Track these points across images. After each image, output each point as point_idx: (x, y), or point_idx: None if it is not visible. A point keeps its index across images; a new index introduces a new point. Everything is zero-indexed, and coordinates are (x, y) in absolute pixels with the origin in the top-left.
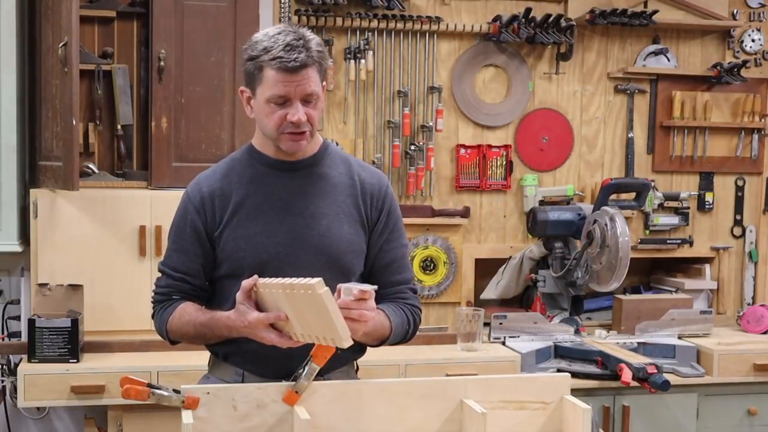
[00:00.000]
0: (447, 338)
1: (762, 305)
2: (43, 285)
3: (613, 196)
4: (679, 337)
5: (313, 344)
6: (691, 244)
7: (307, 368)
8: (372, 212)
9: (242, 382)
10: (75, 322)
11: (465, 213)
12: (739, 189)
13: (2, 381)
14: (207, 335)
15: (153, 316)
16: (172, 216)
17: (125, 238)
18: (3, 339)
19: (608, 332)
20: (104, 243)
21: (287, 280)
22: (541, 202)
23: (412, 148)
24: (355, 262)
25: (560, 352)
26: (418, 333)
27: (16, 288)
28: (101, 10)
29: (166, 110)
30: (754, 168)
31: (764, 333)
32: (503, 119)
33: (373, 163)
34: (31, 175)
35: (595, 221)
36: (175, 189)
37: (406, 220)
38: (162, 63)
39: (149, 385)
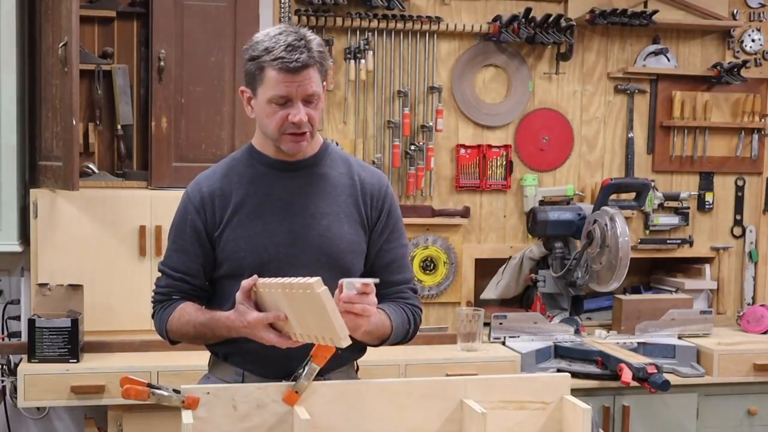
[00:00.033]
0: (447, 338)
1: (762, 305)
2: (43, 285)
3: (613, 196)
4: (679, 337)
5: (313, 344)
6: (691, 244)
7: (307, 368)
8: (372, 212)
9: (242, 382)
10: (75, 322)
11: (465, 213)
12: (739, 189)
13: (2, 381)
14: (207, 335)
15: (153, 316)
16: (172, 216)
17: (125, 238)
18: (3, 339)
19: (608, 332)
20: (104, 243)
21: (286, 280)
22: (541, 202)
23: (412, 148)
24: (355, 262)
25: (560, 352)
26: (418, 333)
27: (16, 288)
28: (101, 10)
29: (166, 110)
30: (754, 168)
31: (764, 333)
32: (503, 119)
33: (373, 163)
34: (31, 175)
35: (595, 221)
36: (175, 189)
37: (406, 220)
38: (162, 63)
39: (149, 385)
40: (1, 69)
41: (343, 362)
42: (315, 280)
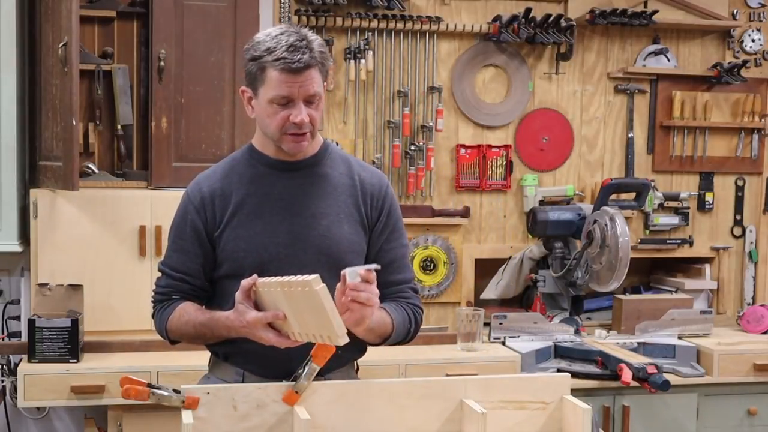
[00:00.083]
0: (447, 338)
1: (762, 305)
2: (43, 285)
3: (613, 196)
4: (679, 337)
5: (313, 344)
6: (691, 244)
7: (307, 368)
8: (372, 212)
9: (242, 382)
10: (75, 322)
11: (465, 213)
12: (739, 189)
13: (2, 381)
14: (206, 335)
15: (153, 316)
16: (172, 216)
17: (125, 238)
18: (3, 339)
19: (608, 332)
20: (104, 243)
21: (285, 278)
22: (541, 202)
23: (412, 148)
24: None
25: (560, 352)
26: (418, 333)
27: (16, 288)
28: (101, 10)
29: (166, 110)
30: (754, 168)
31: (764, 333)
32: (503, 119)
33: (373, 163)
34: (31, 175)
35: (595, 221)
36: (175, 189)
37: (406, 220)
38: (162, 63)
39: (149, 385)
40: (1, 69)
41: (343, 362)
42: (313, 278)
